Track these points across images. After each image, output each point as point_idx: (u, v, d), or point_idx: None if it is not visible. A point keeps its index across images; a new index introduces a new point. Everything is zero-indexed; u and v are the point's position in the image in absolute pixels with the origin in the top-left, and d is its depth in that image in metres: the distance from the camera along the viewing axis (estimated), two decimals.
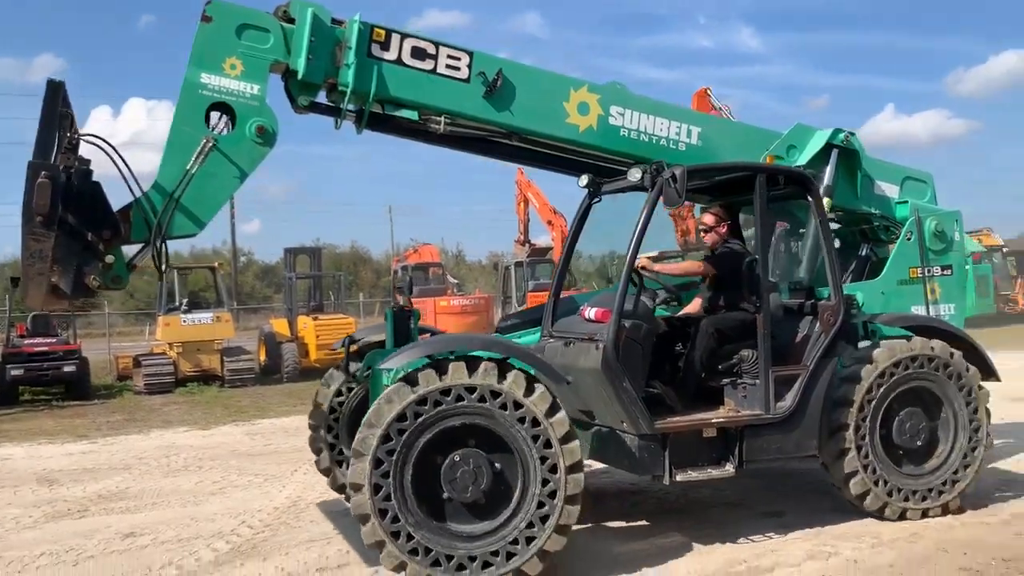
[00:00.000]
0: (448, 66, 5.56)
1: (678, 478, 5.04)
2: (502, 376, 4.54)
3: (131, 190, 4.84)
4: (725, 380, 5.42)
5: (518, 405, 4.51)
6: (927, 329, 6.08)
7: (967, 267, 7.08)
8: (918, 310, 6.67)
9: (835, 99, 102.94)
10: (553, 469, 4.53)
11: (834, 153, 6.59)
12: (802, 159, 6.52)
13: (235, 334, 18.43)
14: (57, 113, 4.33)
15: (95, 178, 4.63)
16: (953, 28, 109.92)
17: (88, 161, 4.67)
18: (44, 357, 15.09)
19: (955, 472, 5.82)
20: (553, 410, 4.56)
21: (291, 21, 5.22)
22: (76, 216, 4.47)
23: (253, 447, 9.58)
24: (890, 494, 5.62)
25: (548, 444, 4.53)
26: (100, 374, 17.47)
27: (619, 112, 6.03)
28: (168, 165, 4.90)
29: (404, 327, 5.66)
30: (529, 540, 4.50)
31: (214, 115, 5.08)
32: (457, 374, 4.48)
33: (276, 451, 9.29)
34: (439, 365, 4.54)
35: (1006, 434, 8.59)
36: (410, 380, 4.49)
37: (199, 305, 17.25)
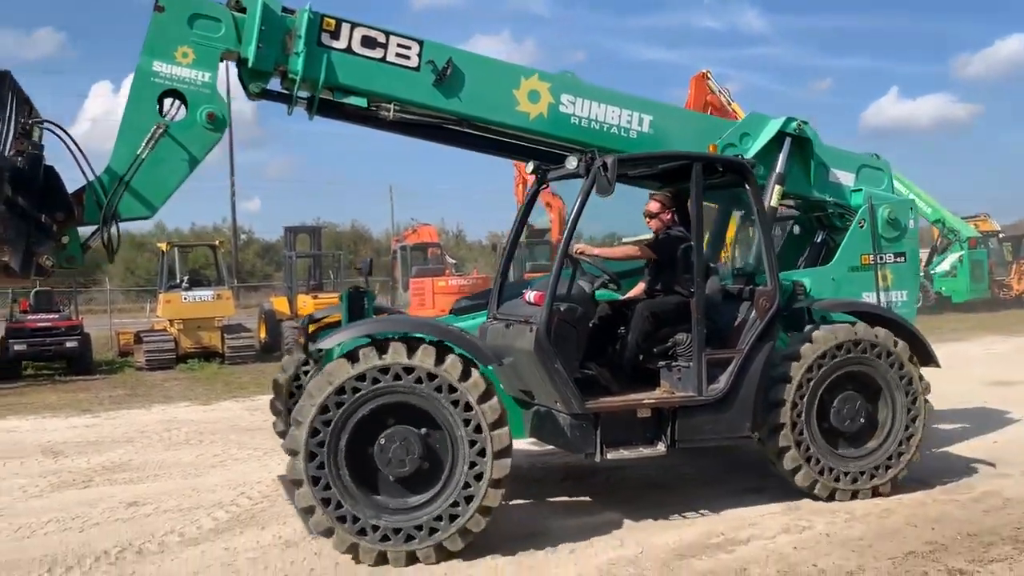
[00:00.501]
0: (398, 55, 5.72)
1: (609, 456, 5.22)
2: (440, 359, 4.72)
3: (84, 174, 5.05)
4: (661, 362, 5.58)
5: (452, 389, 4.69)
6: (870, 316, 6.22)
7: (920, 254, 7.21)
8: (869, 296, 6.80)
9: (839, 82, 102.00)
10: (482, 453, 4.71)
11: (787, 141, 6.69)
12: (755, 146, 6.64)
13: (235, 312, 18.73)
14: (5, 103, 4.53)
15: (58, 162, 4.87)
16: (959, 11, 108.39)
17: (41, 146, 4.89)
18: (47, 332, 15.37)
19: (889, 457, 5.94)
20: (486, 396, 4.73)
21: (243, 11, 5.40)
22: (28, 199, 4.69)
23: (253, 422, 9.73)
24: (821, 472, 5.75)
25: (479, 429, 4.71)
26: (102, 350, 17.81)
27: (570, 100, 6.16)
28: (120, 149, 5.11)
29: (359, 307, 5.87)
30: (453, 518, 4.69)
31: (168, 102, 5.28)
32: (396, 354, 4.68)
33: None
34: (380, 345, 4.73)
35: (985, 416, 8.75)
36: (351, 357, 4.69)
37: (200, 283, 17.54)
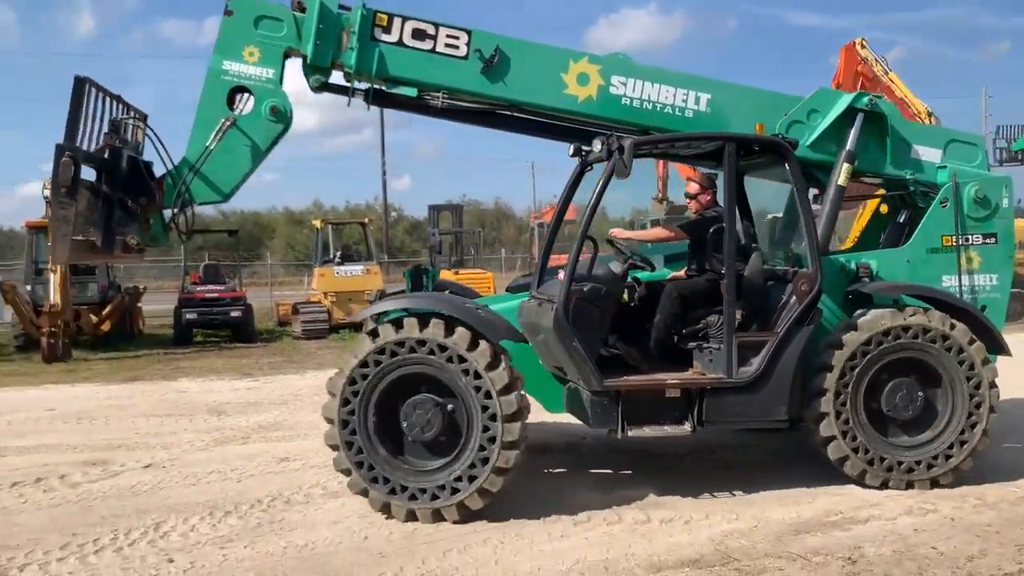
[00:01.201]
0: (447, 45, 6.00)
1: (630, 433, 5.33)
2: (450, 332, 5.04)
3: (164, 163, 5.75)
4: (693, 343, 5.59)
5: (462, 359, 5.00)
6: (941, 302, 5.90)
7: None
8: (950, 280, 6.41)
9: (1019, 44, 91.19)
10: (493, 417, 4.99)
11: (859, 117, 6.38)
12: (824, 123, 6.38)
13: (384, 286, 19.84)
14: (82, 105, 5.25)
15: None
16: None
17: (126, 140, 5.62)
18: (214, 303, 16.72)
19: (950, 447, 5.68)
20: (493, 365, 5.00)
21: (303, 10, 5.87)
22: (112, 186, 5.43)
23: None
24: (871, 462, 5.61)
25: (488, 395, 4.99)
26: (262, 319, 19.25)
27: (621, 82, 6.20)
28: (194, 142, 5.76)
29: (419, 284, 6.28)
30: (472, 479, 5.02)
31: (240, 97, 5.86)
32: (410, 329, 5.04)
33: None
34: (398, 321, 5.11)
35: None
36: (373, 333, 5.10)
37: (351, 258, 18.63)
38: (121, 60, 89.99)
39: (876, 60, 18.12)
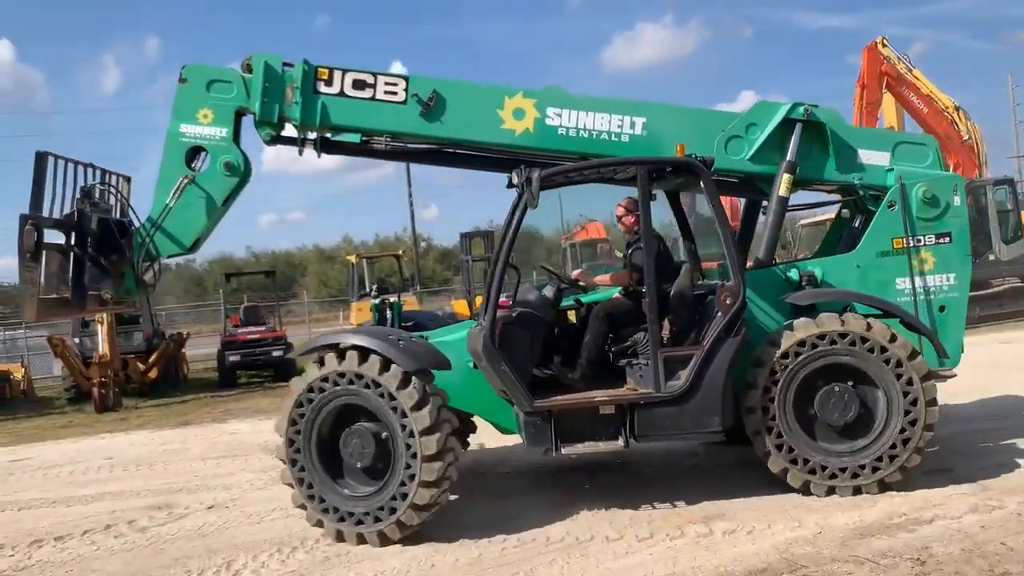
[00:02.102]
0: (386, 92, 6.35)
1: (563, 451, 5.50)
2: (364, 360, 5.29)
3: (132, 222, 6.24)
4: (624, 361, 5.75)
5: (377, 384, 5.26)
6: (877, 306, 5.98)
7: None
8: (903, 282, 6.41)
9: None
10: (412, 434, 5.22)
11: (797, 128, 6.48)
12: (763, 136, 6.50)
13: None
14: (44, 177, 5.76)
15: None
16: None
17: (97, 204, 6.13)
18: (256, 344, 17.20)
19: (879, 459, 5.68)
20: (403, 384, 5.21)
21: (251, 71, 6.32)
22: (84, 247, 5.94)
23: None
24: (794, 462, 5.67)
25: (404, 413, 5.22)
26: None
27: (556, 113, 6.44)
28: (157, 200, 6.24)
29: (384, 318, 6.61)
30: (404, 496, 5.24)
31: (198, 156, 6.32)
32: (330, 363, 5.37)
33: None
34: (320, 359, 5.43)
35: None
36: (321, 362, 5.44)
37: (387, 290, 19.03)
38: (148, 110, 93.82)
39: (899, 59, 17.90)
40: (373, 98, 6.35)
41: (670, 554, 4.83)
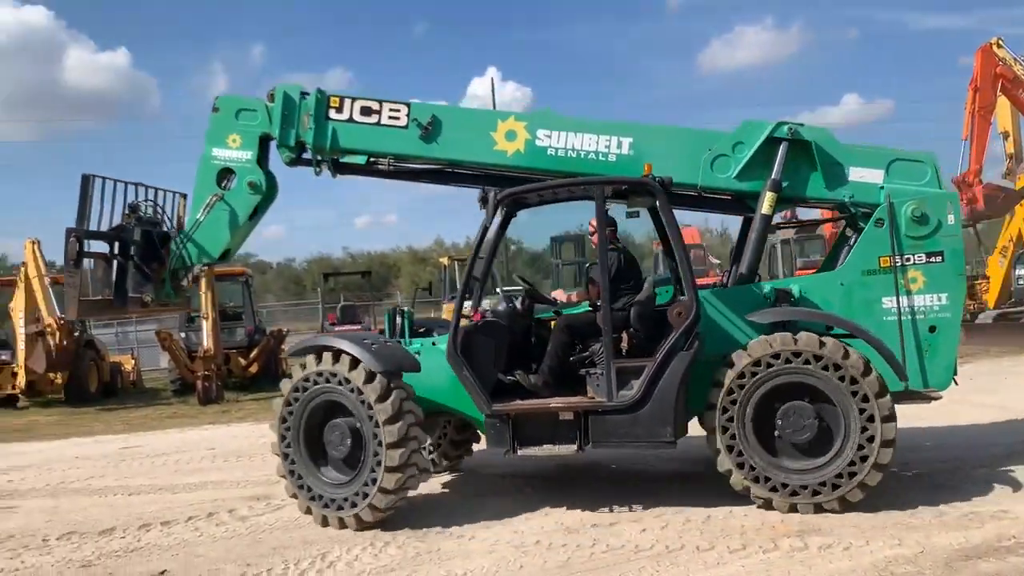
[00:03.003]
0: (390, 117, 6.93)
1: (520, 453, 5.89)
2: (355, 367, 5.85)
3: (170, 233, 7.13)
4: (583, 370, 6.06)
5: (348, 380, 5.81)
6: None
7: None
8: (890, 301, 6.36)
9: None
10: (377, 424, 5.70)
11: (783, 146, 6.56)
12: (748, 155, 6.62)
13: None
14: (88, 195, 6.69)
15: None
16: None
17: (140, 218, 7.04)
18: None
19: (839, 476, 5.67)
20: (368, 380, 5.73)
21: (273, 100, 7.06)
22: (127, 255, 6.86)
23: None
24: (756, 480, 5.74)
25: (370, 405, 5.73)
26: None
27: (546, 134, 6.79)
28: (191, 215, 7.09)
29: (393, 326, 7.21)
30: (374, 481, 5.75)
31: (227, 176, 7.11)
32: (312, 363, 5.97)
33: None
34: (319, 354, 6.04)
35: None
36: (303, 365, 6.09)
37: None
38: None
39: (1015, 60, 16.90)
40: (378, 123, 6.93)
41: (763, 567, 4.73)
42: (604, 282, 5.81)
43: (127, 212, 7.01)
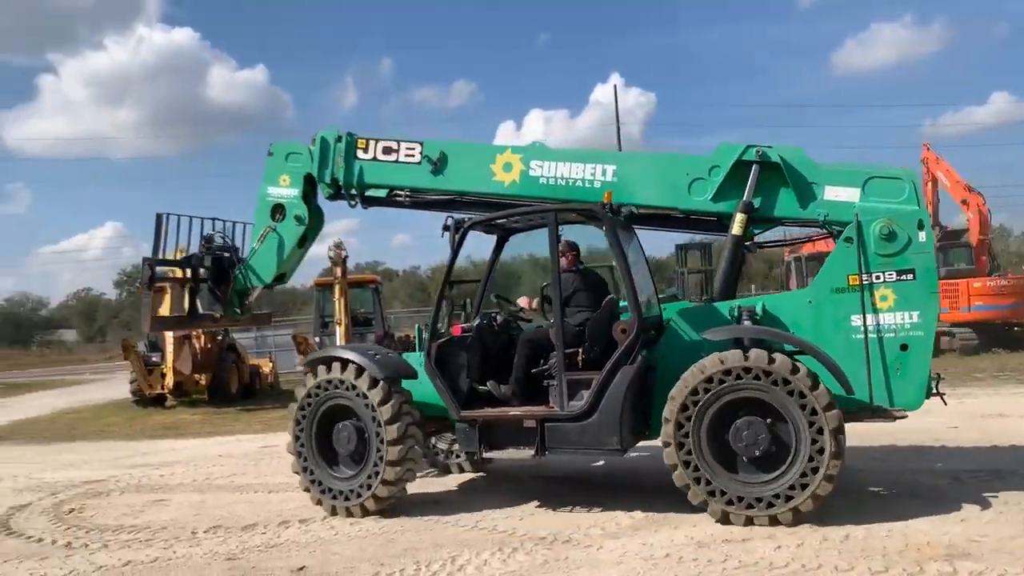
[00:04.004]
0: (406, 155, 7.84)
1: (485, 455, 6.60)
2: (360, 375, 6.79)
3: (236, 261, 8.46)
4: (545, 382, 6.64)
5: (354, 386, 6.75)
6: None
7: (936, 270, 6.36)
8: (859, 319, 6.42)
9: None
10: (381, 441, 6.62)
11: (754, 168, 6.79)
12: (721, 177, 6.91)
13: None
14: (161, 231, 8.12)
15: None
16: None
17: (210, 247, 8.42)
18: None
19: (792, 488, 5.87)
20: (372, 386, 6.64)
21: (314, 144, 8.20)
22: (197, 280, 8.27)
23: None
24: (712, 494, 5.99)
25: (374, 408, 6.64)
26: None
27: (538, 165, 7.41)
28: (251, 245, 8.38)
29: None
30: (377, 474, 6.68)
31: (279, 211, 8.33)
32: (323, 372, 6.97)
33: None
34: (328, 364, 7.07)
35: None
36: (315, 373, 7.13)
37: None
38: (382, 126, 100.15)
39: None
40: (397, 161, 7.87)
41: None
42: (556, 301, 6.39)
43: (203, 242, 8.43)
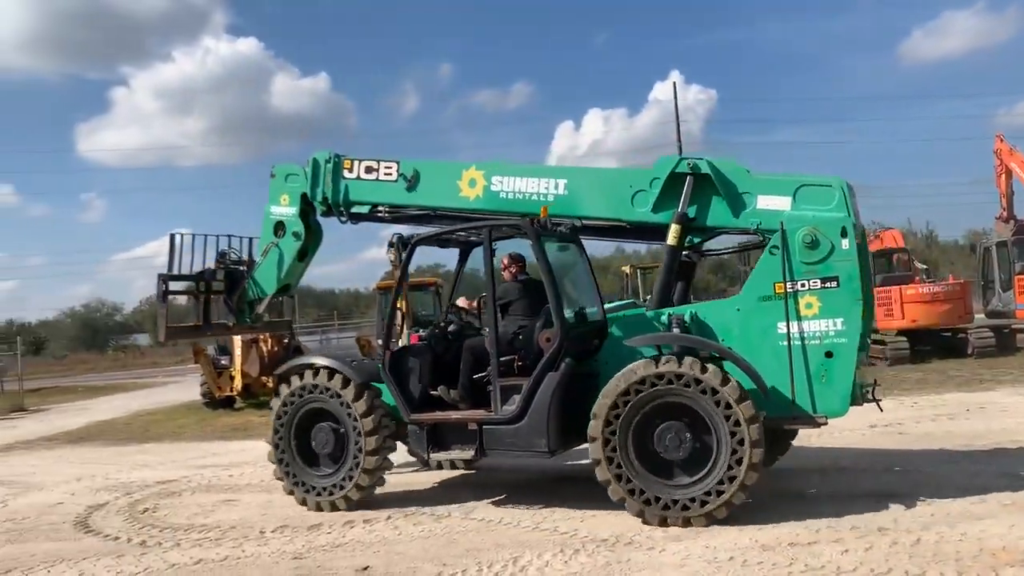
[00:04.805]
0: (385, 173, 8.44)
1: (431, 456, 7.12)
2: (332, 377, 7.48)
3: (247, 275, 9.30)
4: (489, 387, 7.07)
5: (328, 388, 7.42)
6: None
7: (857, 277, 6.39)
8: (784, 326, 6.55)
9: None
10: (359, 433, 7.26)
11: (688, 180, 7.01)
12: (659, 189, 7.15)
13: None
14: (174, 248, 9.01)
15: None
16: None
17: (224, 262, 9.29)
18: None
19: (708, 492, 6.11)
20: (344, 385, 7.30)
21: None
22: (209, 292, 9.16)
23: None
24: (647, 502, 6.23)
25: (355, 419, 7.29)
26: None
27: (499, 180, 7.84)
28: (257, 259, 9.20)
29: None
30: (342, 486, 7.38)
31: (281, 228, 9.10)
32: (306, 376, 7.65)
33: None
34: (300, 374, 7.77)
35: None
36: (288, 381, 7.84)
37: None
38: (441, 132, 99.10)
39: None
40: (377, 179, 8.49)
41: None
42: (491, 311, 6.84)
43: (218, 257, 9.32)
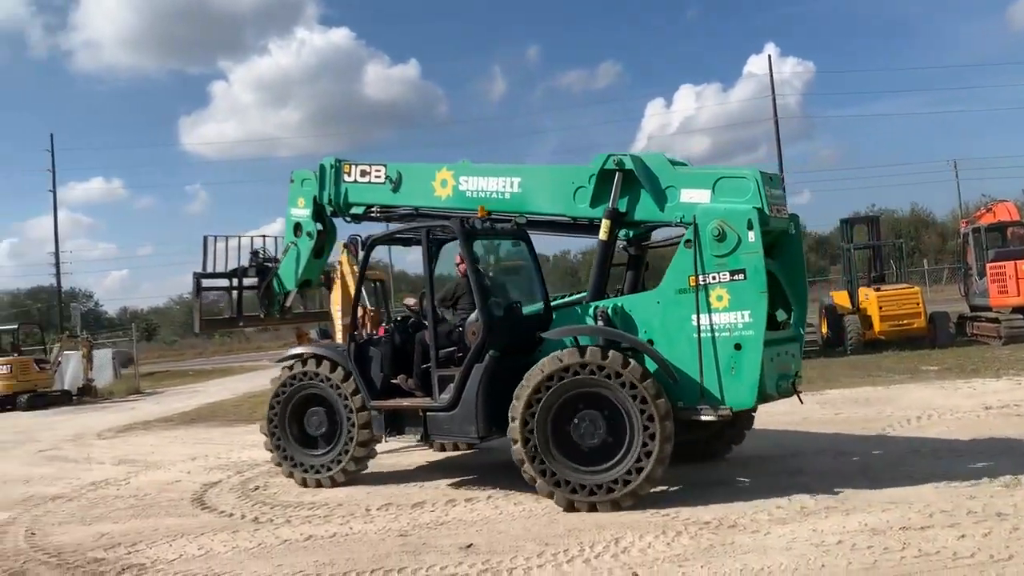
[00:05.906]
0: (375, 176, 9.13)
1: (386, 439, 7.78)
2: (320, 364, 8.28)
3: (272, 270, 10.32)
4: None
5: (318, 374, 8.19)
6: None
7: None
8: (695, 319, 6.66)
9: None
10: (350, 411, 7.98)
11: (617, 176, 7.20)
12: (593, 185, 7.38)
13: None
14: (207, 248, 10.09)
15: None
16: None
17: (258, 260, 10.33)
18: None
19: (629, 472, 6.40)
20: (331, 369, 8.06)
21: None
22: (241, 288, 10.25)
23: (824, 415, 10.38)
24: (557, 485, 6.56)
25: (348, 402, 8.03)
26: None
27: (465, 180, 8.32)
28: (281, 257, 10.18)
29: None
30: (339, 461, 8.16)
31: (299, 228, 10.01)
32: (299, 364, 8.48)
33: (847, 420, 10.00)
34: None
35: None
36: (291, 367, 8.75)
37: None
38: (530, 115, 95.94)
39: None
40: (369, 182, 9.20)
41: None
42: (429, 306, 7.39)
43: (251, 255, 10.41)
